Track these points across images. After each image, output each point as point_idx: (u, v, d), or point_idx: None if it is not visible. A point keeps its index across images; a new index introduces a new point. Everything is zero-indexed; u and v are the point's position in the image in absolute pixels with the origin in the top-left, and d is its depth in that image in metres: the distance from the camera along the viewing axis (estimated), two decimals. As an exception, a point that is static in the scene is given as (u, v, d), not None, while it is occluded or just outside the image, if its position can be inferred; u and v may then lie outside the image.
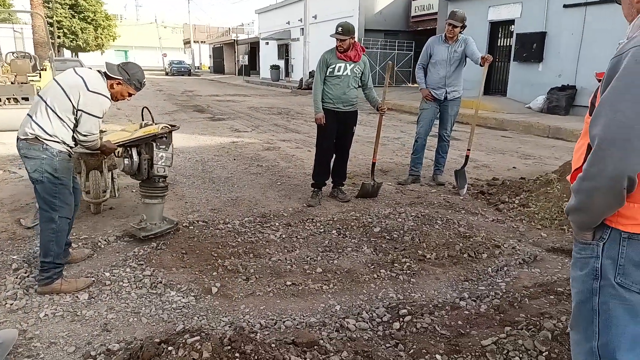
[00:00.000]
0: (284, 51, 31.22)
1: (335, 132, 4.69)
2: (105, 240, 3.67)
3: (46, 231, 2.86)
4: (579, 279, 1.48)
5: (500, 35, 14.71)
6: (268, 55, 33.44)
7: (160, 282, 3.01)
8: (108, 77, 3.04)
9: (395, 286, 3.07)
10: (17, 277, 3.02)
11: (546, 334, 2.29)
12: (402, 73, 22.76)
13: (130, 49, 56.00)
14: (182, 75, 41.42)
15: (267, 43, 33.11)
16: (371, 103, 4.83)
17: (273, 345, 2.21)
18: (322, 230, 4.01)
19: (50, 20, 29.07)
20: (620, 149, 1.23)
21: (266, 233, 3.89)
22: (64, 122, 2.84)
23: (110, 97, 3.02)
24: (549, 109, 11.77)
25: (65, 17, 33.73)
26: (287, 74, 30.24)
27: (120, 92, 3.10)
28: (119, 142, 3.34)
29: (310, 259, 3.44)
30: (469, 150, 5.35)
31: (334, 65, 4.54)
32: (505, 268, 3.31)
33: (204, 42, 54.96)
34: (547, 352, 2.19)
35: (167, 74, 42.70)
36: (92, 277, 3.06)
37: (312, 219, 4.24)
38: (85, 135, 2.89)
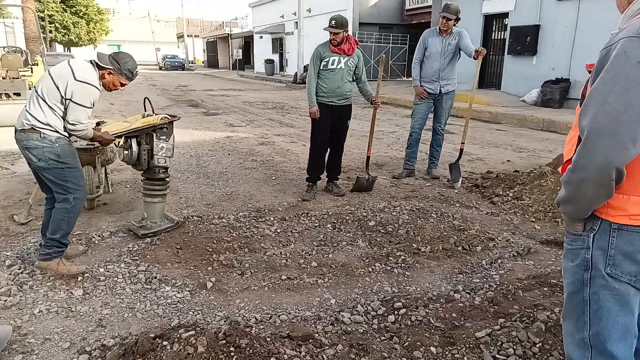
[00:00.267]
0: (278, 45, 31.06)
1: (330, 126, 4.68)
2: (99, 236, 3.65)
3: (59, 210, 2.96)
4: (570, 270, 1.49)
5: (494, 28, 14.70)
6: (262, 50, 33.26)
7: (155, 278, 3.01)
8: (99, 67, 3.04)
9: (390, 279, 3.08)
10: (10, 274, 3.00)
11: (540, 326, 2.31)
12: (396, 66, 22.73)
13: (123, 43, 55.50)
14: (176, 69, 41.16)
15: (261, 37, 32.93)
16: (365, 96, 4.82)
17: (268, 339, 2.21)
18: (317, 224, 4.01)
19: (42, 15, 28.76)
20: (608, 140, 1.24)
21: (261, 228, 3.89)
22: (54, 111, 2.87)
23: (101, 87, 3.02)
24: (543, 102, 11.79)
25: (57, 11, 33.36)
26: (282, 68, 30.11)
27: (112, 82, 3.10)
28: (117, 133, 3.33)
29: (306, 253, 3.45)
30: (463, 143, 5.36)
31: (327, 59, 4.52)
32: (499, 260, 3.33)
33: (198, 36, 54.62)
34: (540, 344, 2.21)
35: (160, 68, 42.41)
36: (87, 272, 3.06)
37: (307, 213, 4.25)
38: (73, 124, 2.89)
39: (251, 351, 2.05)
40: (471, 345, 2.26)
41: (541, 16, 12.49)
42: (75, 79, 2.86)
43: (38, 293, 2.81)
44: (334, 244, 3.61)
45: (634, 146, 1.23)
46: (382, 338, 2.41)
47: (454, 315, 2.58)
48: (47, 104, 2.86)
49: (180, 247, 3.46)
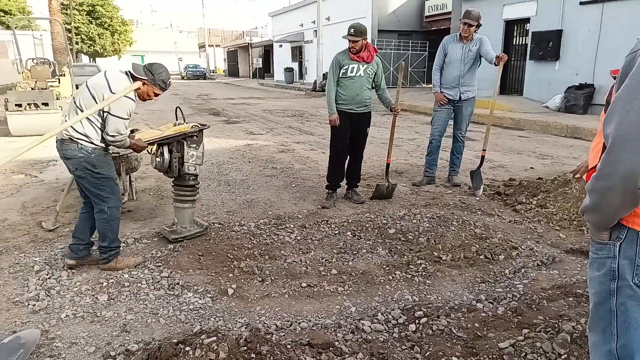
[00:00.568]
0: (297, 53, 31.32)
1: (349, 133, 4.69)
2: (124, 243, 3.72)
3: (100, 221, 3.18)
4: (596, 280, 1.46)
5: (515, 34, 14.53)
6: (282, 58, 33.58)
7: (178, 284, 3.05)
8: (134, 78, 3.15)
9: (410, 288, 3.05)
10: (39, 279, 3.09)
11: (565, 337, 2.26)
12: (416, 73, 22.65)
13: (146, 53, 56.79)
14: (198, 79, 41.87)
15: (281, 46, 33.26)
16: (384, 104, 4.82)
17: (289, 346, 2.22)
18: (337, 232, 4.02)
19: (69, 27, 29.66)
20: (633, 148, 1.21)
21: (281, 235, 3.91)
22: (92, 122, 3.00)
23: (136, 97, 3.14)
24: (566, 108, 11.58)
25: (83, 23, 34.40)
26: (301, 76, 30.32)
27: (146, 92, 3.22)
28: (149, 140, 3.44)
29: (325, 260, 3.45)
30: (484, 150, 5.30)
31: (347, 67, 4.55)
32: (523, 270, 3.27)
33: (219, 45, 55.46)
34: (565, 355, 2.16)
35: (182, 78, 43.19)
36: (140, 257, 3.42)
37: (327, 221, 4.25)
38: (113, 136, 3.03)
39: (272, 358, 2.06)
40: (494, 356, 2.22)
41: (563, 21, 12.31)
42: (112, 92, 2.98)
43: (65, 298, 2.88)
44: (354, 252, 3.60)
45: None
46: (403, 347, 2.39)
47: (476, 325, 2.54)
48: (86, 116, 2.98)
49: (202, 254, 3.50)
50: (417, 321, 2.60)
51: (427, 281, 3.14)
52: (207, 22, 54.23)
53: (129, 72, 3.16)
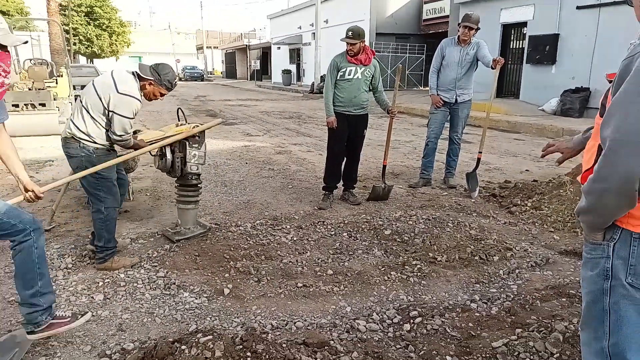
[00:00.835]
0: (295, 56, 31.38)
1: (346, 135, 4.72)
2: (127, 240, 3.75)
3: (96, 220, 3.20)
4: (590, 279, 1.48)
5: (512, 37, 14.63)
6: (280, 60, 33.64)
7: (174, 284, 3.06)
8: (140, 78, 3.20)
9: (405, 288, 3.07)
10: (35, 278, 3.09)
11: (557, 336, 2.28)
12: (413, 76, 22.73)
13: (144, 55, 56.73)
14: (195, 80, 41.87)
15: (279, 48, 33.32)
16: (381, 106, 4.85)
17: (284, 345, 2.23)
18: (333, 232, 4.03)
19: (66, 28, 29.60)
20: (632, 151, 1.23)
21: (277, 235, 3.92)
22: (96, 121, 3.05)
23: (141, 97, 3.19)
24: (562, 112, 11.65)
25: (81, 24, 34.35)
26: (299, 79, 30.37)
27: (152, 92, 3.28)
28: (152, 141, 3.46)
29: (321, 261, 3.47)
30: (480, 153, 5.34)
31: (344, 69, 4.57)
32: (517, 270, 3.29)
33: (217, 47, 55.50)
34: (558, 354, 2.19)
35: (180, 79, 43.16)
36: (137, 257, 3.43)
37: (323, 222, 4.27)
38: (120, 135, 3.08)
39: (267, 356, 2.07)
40: (487, 355, 2.24)
41: (560, 25, 12.39)
42: (118, 92, 3.02)
43: (60, 298, 2.88)
44: (350, 253, 3.62)
45: None
46: (398, 346, 2.41)
47: (470, 324, 2.56)
48: (90, 114, 3.04)
49: (198, 254, 3.51)
50: (411, 321, 2.61)
51: (422, 281, 3.15)
52: (205, 23, 54.47)
53: (136, 72, 3.22)
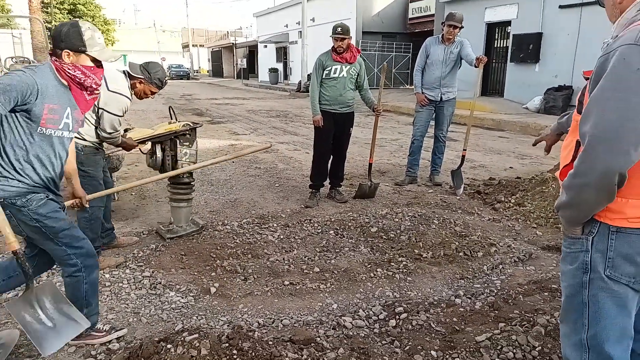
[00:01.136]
0: (282, 54, 31.29)
1: (333, 133, 4.73)
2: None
3: (80, 220, 3.15)
4: (569, 273, 1.51)
5: (497, 36, 14.78)
6: (266, 59, 33.52)
7: (160, 283, 3.05)
8: (131, 77, 3.21)
9: (391, 285, 3.10)
10: (17, 279, 3.05)
11: (539, 330, 2.33)
12: (400, 75, 22.84)
13: (129, 53, 56.15)
14: (181, 78, 41.51)
15: (266, 46, 33.19)
16: (367, 104, 4.88)
17: (270, 342, 2.24)
18: (320, 230, 4.05)
19: (49, 25, 29.15)
20: (610, 147, 1.26)
21: (264, 234, 3.93)
22: (86, 119, 3.01)
23: (132, 95, 3.20)
24: (545, 110, 11.82)
25: (64, 22, 33.84)
26: (286, 77, 30.31)
27: (142, 91, 3.29)
28: (139, 139, 3.45)
29: (308, 259, 3.48)
30: (465, 150, 5.40)
31: (330, 68, 4.59)
32: (501, 266, 3.35)
33: (203, 45, 55.10)
34: (540, 347, 2.23)
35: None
36: (122, 256, 3.40)
37: (310, 220, 4.28)
38: (109, 133, 3.09)
39: (253, 354, 2.08)
40: (471, 349, 2.27)
41: (543, 24, 12.56)
42: (108, 89, 3.02)
43: (44, 298, 2.85)
44: (337, 250, 3.64)
45: (636, 151, 1.25)
46: (383, 342, 2.43)
47: (454, 319, 2.60)
48: None
49: (185, 253, 3.50)
50: (397, 317, 2.64)
51: (408, 278, 3.19)
52: (191, 21, 53.93)
53: (126, 71, 3.22)
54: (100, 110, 3.04)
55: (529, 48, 12.87)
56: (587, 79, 1.46)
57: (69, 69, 2.10)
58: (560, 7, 11.97)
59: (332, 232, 4.01)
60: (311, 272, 3.26)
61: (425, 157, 6.25)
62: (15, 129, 2.03)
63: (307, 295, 2.97)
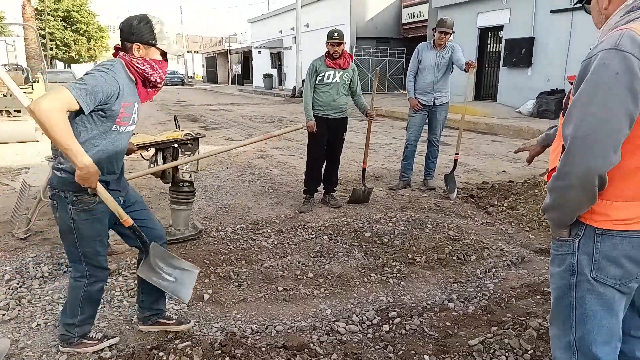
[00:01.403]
0: (276, 60, 31.38)
1: (326, 138, 4.75)
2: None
3: None
4: (557, 275, 1.53)
5: (489, 41, 14.90)
6: (261, 64, 33.60)
7: (153, 290, 3.03)
8: None
9: (385, 289, 3.11)
10: (9, 288, 3.03)
11: (531, 333, 2.34)
12: (394, 79, 22.95)
13: (123, 59, 56.00)
14: (176, 85, 41.45)
15: (260, 52, 33.28)
16: (360, 109, 4.90)
17: (263, 349, 2.24)
18: (314, 236, 4.05)
19: (43, 32, 29.12)
20: (591, 149, 1.28)
21: (258, 240, 3.93)
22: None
23: None
24: (538, 113, 11.90)
25: (58, 29, 33.80)
26: (280, 82, 30.38)
27: None
28: (140, 144, 3.45)
29: (302, 264, 3.48)
30: (457, 154, 5.43)
31: (323, 73, 4.61)
32: (494, 269, 3.36)
33: (197, 51, 55.17)
34: (532, 350, 2.24)
35: (160, 84, 42.63)
36: (114, 264, 3.35)
37: (304, 225, 4.28)
38: None
39: (246, 361, 2.08)
40: (464, 353, 2.28)
41: (535, 28, 12.68)
42: None
43: (36, 307, 2.84)
44: (330, 255, 3.64)
45: (615, 153, 1.28)
46: (377, 347, 2.43)
47: (447, 323, 2.61)
48: None
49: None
50: (390, 321, 2.64)
51: (402, 282, 3.19)
52: (185, 28, 53.99)
53: None
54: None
55: (521, 52, 12.98)
56: (572, 83, 1.48)
57: (138, 63, 2.12)
58: (552, 11, 12.09)
59: (326, 237, 4.01)
60: (305, 278, 3.26)
61: (419, 161, 6.27)
62: (90, 128, 2.03)
63: (301, 301, 2.96)
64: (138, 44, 2.10)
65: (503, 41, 13.76)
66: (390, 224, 4.22)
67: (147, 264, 2.37)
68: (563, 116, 1.48)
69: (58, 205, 2.15)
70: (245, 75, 38.91)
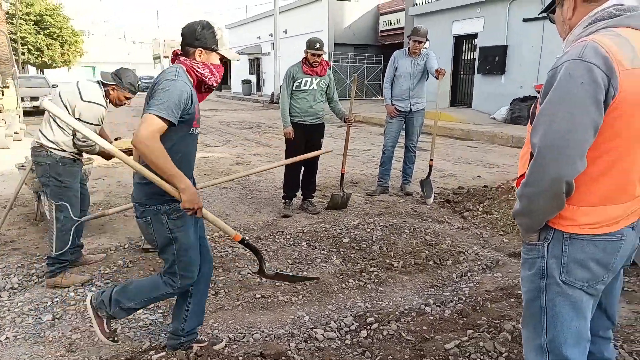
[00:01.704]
0: (255, 66, 31.31)
1: (304, 145, 4.75)
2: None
3: (51, 229, 3.18)
4: (528, 279, 1.56)
5: (464, 48, 15.19)
6: (239, 70, 33.46)
7: (127, 300, 2.97)
8: (104, 85, 3.25)
9: (363, 295, 3.12)
10: (-24, 301, 2.93)
11: (506, 336, 2.38)
12: (371, 86, 23.17)
13: (98, 64, 55.06)
14: (152, 90, 40.85)
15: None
16: (337, 115, 4.93)
17: (240, 358, 2.22)
18: (292, 242, 4.04)
19: (14, 37, 28.37)
20: (558, 156, 1.32)
21: (236, 247, 3.89)
22: (64, 130, 3.11)
23: (107, 104, 3.26)
24: (512, 119, 12.17)
25: (30, 34, 32.96)
26: (259, 88, 30.31)
27: (117, 97, 3.33)
28: (123, 149, 3.39)
29: (280, 271, 3.46)
30: (432, 160, 5.51)
31: (300, 80, 4.63)
32: (469, 273, 3.41)
33: (174, 57, 54.44)
34: (506, 353, 2.28)
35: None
36: (88, 274, 3.33)
37: (282, 232, 4.27)
38: (83, 141, 3.11)
39: (223, 370, 2.05)
40: (440, 357, 2.31)
41: (508, 36, 12.99)
42: (82, 100, 3.08)
43: (5, 320, 2.75)
44: (309, 262, 3.64)
45: (581, 160, 1.32)
46: (355, 353, 2.44)
47: (424, 328, 2.63)
48: (57, 123, 3.09)
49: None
50: (368, 327, 2.66)
51: (379, 288, 3.21)
52: (162, 33, 53.40)
53: (100, 80, 3.26)
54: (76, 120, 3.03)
55: (495, 60, 13.28)
56: (539, 92, 1.53)
57: (199, 67, 2.13)
58: (524, 20, 12.41)
59: (304, 243, 4.01)
60: (283, 285, 3.24)
61: (397, 167, 6.34)
62: (170, 137, 2.00)
63: (279, 308, 2.95)
64: (201, 49, 2.13)
65: (477, 49, 14.05)
66: (368, 230, 4.24)
67: (269, 269, 2.54)
68: (531, 124, 1.52)
69: (152, 221, 2.11)
70: (223, 81, 38.67)
